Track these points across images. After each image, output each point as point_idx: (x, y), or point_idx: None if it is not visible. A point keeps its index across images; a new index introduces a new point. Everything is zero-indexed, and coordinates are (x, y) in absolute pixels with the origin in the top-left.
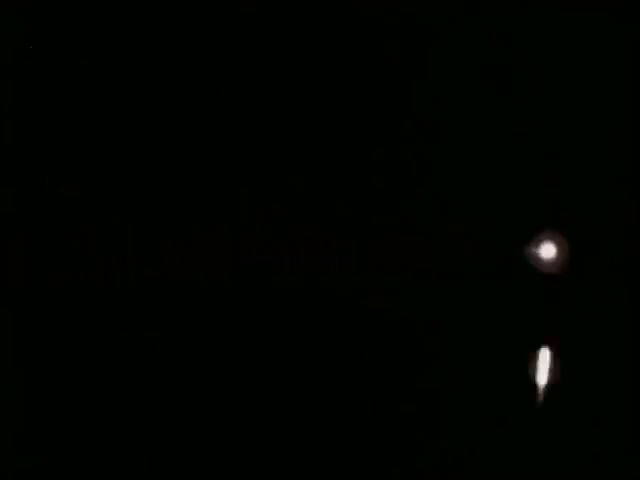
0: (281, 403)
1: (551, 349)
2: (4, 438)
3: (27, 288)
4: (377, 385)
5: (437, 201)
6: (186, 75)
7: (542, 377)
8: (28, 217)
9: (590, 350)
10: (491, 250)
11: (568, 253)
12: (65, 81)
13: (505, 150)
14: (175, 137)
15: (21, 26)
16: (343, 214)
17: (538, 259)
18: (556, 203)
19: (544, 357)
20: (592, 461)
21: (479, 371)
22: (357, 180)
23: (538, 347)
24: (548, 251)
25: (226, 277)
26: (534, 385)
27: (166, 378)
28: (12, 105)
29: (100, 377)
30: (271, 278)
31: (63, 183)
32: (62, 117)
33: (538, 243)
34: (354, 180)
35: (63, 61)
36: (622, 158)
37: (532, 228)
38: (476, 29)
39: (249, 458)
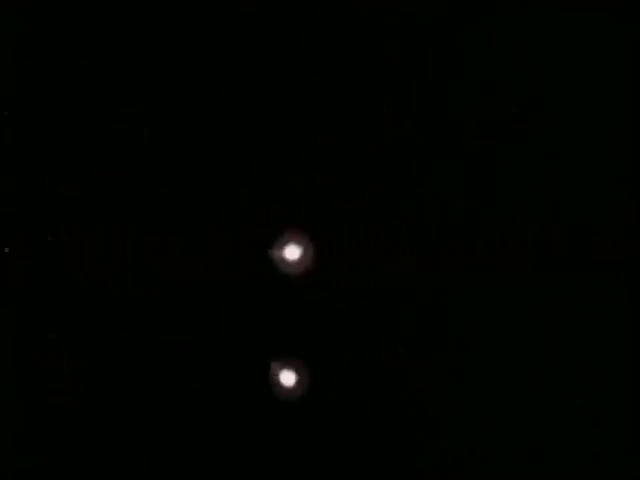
0: (279, 404)
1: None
2: (4, 438)
3: (27, 288)
4: (375, 385)
5: (437, 201)
6: (186, 75)
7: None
8: (28, 217)
9: (590, 350)
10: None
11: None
12: (65, 81)
13: (504, 150)
14: (175, 137)
15: (21, 26)
16: (343, 214)
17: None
18: (556, 202)
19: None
20: (592, 461)
21: (478, 371)
22: (356, 180)
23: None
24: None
25: (225, 279)
26: (528, 384)
27: (167, 379)
28: (12, 105)
29: (100, 377)
30: (271, 279)
31: (63, 183)
32: (62, 117)
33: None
34: (353, 180)
35: (63, 61)
36: (622, 158)
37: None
38: (475, 29)
39: (249, 459)
